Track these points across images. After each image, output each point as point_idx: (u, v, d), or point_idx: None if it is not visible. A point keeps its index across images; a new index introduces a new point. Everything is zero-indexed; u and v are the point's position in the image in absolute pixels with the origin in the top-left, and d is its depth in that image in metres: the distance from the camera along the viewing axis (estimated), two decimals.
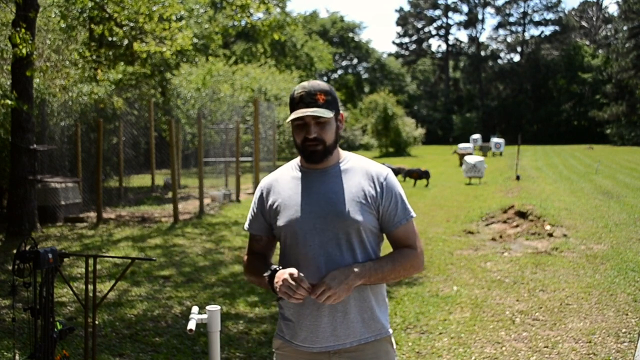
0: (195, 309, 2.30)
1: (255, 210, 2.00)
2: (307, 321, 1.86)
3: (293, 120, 1.86)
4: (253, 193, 14.80)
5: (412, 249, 1.92)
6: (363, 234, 1.86)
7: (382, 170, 1.93)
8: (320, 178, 1.91)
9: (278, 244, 2.02)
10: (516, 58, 69.29)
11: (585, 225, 9.00)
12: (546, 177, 17.83)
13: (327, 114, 1.83)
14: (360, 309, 1.87)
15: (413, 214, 1.95)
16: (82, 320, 4.15)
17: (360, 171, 1.92)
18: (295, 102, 1.86)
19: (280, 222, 1.90)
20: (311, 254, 1.84)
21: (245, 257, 2.05)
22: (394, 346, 1.99)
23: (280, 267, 1.81)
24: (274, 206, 1.93)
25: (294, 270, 1.74)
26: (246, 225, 2.05)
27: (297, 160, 2.00)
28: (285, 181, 1.96)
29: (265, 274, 1.82)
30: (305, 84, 1.88)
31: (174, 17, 11.69)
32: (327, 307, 1.83)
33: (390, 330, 1.96)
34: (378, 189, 1.89)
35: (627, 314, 4.79)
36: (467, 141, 38.13)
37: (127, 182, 14.70)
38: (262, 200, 1.98)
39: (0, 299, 5.49)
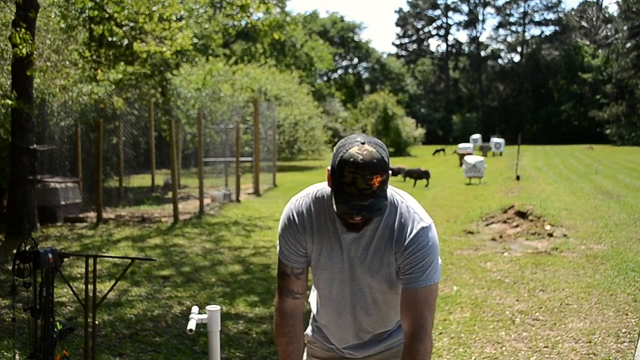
0: (195, 309, 2.30)
1: (294, 238, 1.81)
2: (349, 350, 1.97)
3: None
4: (253, 193, 15.01)
5: (418, 327, 1.69)
6: (393, 289, 1.84)
7: (417, 224, 1.74)
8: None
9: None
10: (516, 58, 69.37)
11: (585, 225, 8.99)
12: (546, 177, 17.82)
13: (383, 207, 1.59)
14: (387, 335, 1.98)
15: (435, 279, 1.72)
16: (82, 320, 4.15)
17: (394, 221, 1.75)
18: (346, 184, 1.55)
19: (319, 267, 1.84)
20: (342, 305, 1.88)
21: (277, 312, 1.87)
22: None
23: None
24: (314, 246, 1.81)
25: None
26: (284, 258, 1.84)
27: (328, 195, 1.79)
28: (321, 220, 1.80)
29: None
30: (359, 158, 1.53)
31: (174, 17, 11.68)
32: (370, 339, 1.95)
33: None
34: (406, 244, 1.72)
35: (627, 314, 4.79)
36: (467, 141, 38.15)
37: (127, 182, 14.68)
38: (304, 229, 1.80)
39: (0, 299, 5.49)
